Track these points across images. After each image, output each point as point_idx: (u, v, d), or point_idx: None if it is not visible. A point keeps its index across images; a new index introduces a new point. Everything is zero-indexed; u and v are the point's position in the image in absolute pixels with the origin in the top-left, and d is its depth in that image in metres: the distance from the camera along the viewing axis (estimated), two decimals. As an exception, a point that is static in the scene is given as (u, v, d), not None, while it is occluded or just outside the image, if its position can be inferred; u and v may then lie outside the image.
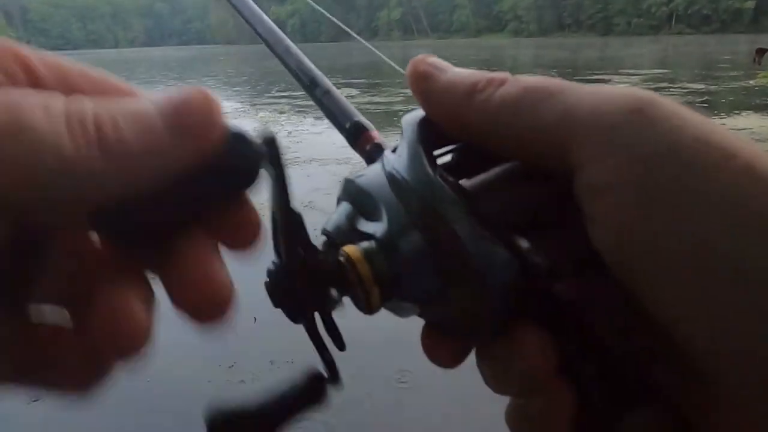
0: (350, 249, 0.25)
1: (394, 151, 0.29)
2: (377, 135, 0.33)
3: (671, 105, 0.23)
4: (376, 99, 11.41)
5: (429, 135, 0.28)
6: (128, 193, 0.19)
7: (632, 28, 77.38)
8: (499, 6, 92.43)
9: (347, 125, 0.34)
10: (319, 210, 4.23)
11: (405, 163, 0.27)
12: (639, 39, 57.47)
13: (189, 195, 0.21)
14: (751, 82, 12.31)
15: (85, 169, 0.17)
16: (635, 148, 0.22)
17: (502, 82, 0.25)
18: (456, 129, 0.28)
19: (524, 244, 0.23)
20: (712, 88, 11.91)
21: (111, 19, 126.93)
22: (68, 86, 0.21)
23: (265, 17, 0.38)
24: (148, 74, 21.90)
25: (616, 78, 14.47)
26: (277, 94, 13.26)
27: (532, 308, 0.24)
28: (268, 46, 0.37)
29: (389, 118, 8.98)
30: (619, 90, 0.25)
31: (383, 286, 0.24)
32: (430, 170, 0.25)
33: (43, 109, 0.17)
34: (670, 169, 0.21)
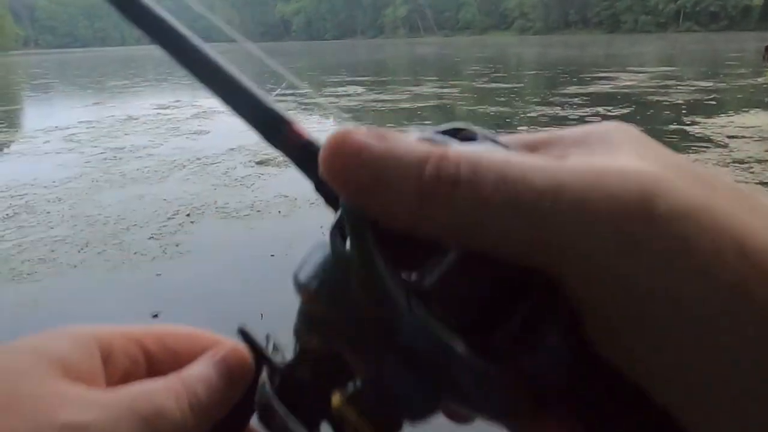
0: (336, 400, 0.22)
1: (338, 227, 0.22)
2: (304, 130, 0.26)
3: (684, 193, 0.18)
4: (382, 96, 11.41)
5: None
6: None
7: (639, 26, 76.96)
8: (505, 4, 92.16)
9: (262, 118, 0.26)
10: (326, 208, 4.23)
11: (361, 275, 0.21)
12: (646, 36, 57.16)
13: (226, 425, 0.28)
14: (759, 79, 12.22)
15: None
16: (639, 280, 0.18)
17: (455, 181, 0.19)
18: (397, 223, 0.21)
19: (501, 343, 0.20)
20: (720, 85, 11.82)
21: (118, 17, 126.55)
22: (172, 353, 0.29)
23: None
24: (155, 72, 21.97)
25: (623, 75, 14.40)
26: (283, 92, 13.22)
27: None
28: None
29: (395, 116, 8.98)
30: (615, 178, 0.19)
31: (382, 427, 0.22)
32: (392, 287, 0.20)
33: (174, 399, 0.25)
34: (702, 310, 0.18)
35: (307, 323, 0.24)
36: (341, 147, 0.21)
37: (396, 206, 0.20)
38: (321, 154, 0.21)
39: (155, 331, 0.29)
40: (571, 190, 0.18)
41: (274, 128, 0.26)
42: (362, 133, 0.21)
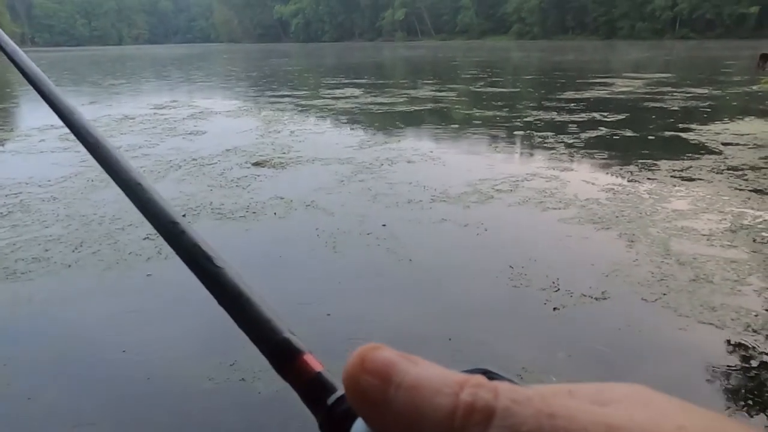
0: None
1: None
2: (314, 361, 0.25)
3: None
4: (379, 99, 11.42)
5: None
6: None
7: (636, 32, 77.28)
8: (504, 8, 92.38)
9: (270, 342, 0.25)
10: (321, 209, 4.24)
11: None
12: (643, 43, 57.41)
13: None
14: (754, 87, 12.28)
15: None
16: None
17: (491, 410, 0.18)
18: None
19: None
20: (716, 92, 11.88)
21: (115, 16, 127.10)
22: None
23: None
24: (153, 69, 21.89)
25: (619, 81, 14.45)
26: (279, 93, 13.27)
27: None
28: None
29: (392, 119, 8.99)
30: None
31: None
32: None
33: None
34: None
35: None
36: (370, 364, 0.19)
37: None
38: (346, 369, 0.19)
39: None
40: None
41: (282, 357, 0.25)
42: (391, 352, 0.20)
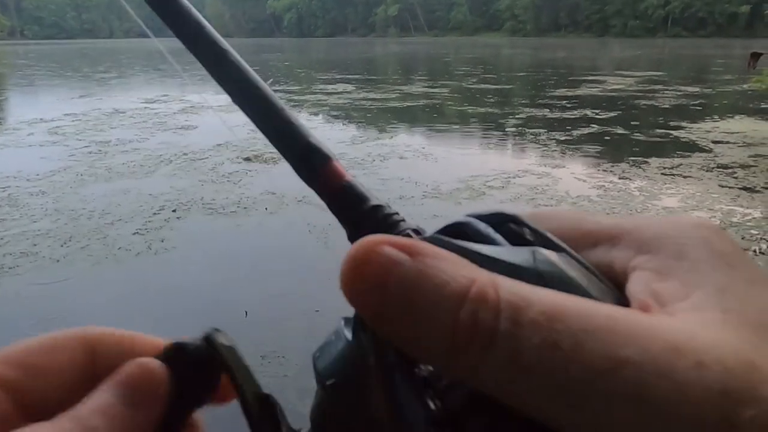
0: None
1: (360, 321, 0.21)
2: (343, 169, 0.23)
3: None
4: (372, 95, 11.40)
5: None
6: None
7: (628, 30, 77.59)
8: (496, 5, 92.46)
9: (298, 149, 0.23)
10: (314, 205, 4.22)
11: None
12: (635, 41, 57.64)
13: None
14: (744, 86, 12.37)
15: None
16: None
17: (491, 336, 0.16)
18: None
19: None
20: (707, 91, 11.96)
21: (106, 9, 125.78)
22: (106, 365, 0.24)
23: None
24: (143, 65, 21.75)
25: (611, 79, 14.51)
26: (271, 88, 13.14)
27: None
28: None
29: (384, 115, 8.98)
30: (693, 377, 0.15)
31: None
32: (412, 414, 0.19)
33: None
34: None
35: (322, 415, 0.22)
36: (366, 263, 0.18)
37: (422, 348, 0.17)
38: (342, 268, 0.18)
39: (86, 336, 0.25)
40: (634, 377, 0.15)
41: (307, 162, 0.23)
42: (393, 243, 0.18)
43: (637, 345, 0.15)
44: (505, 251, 0.19)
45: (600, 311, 0.16)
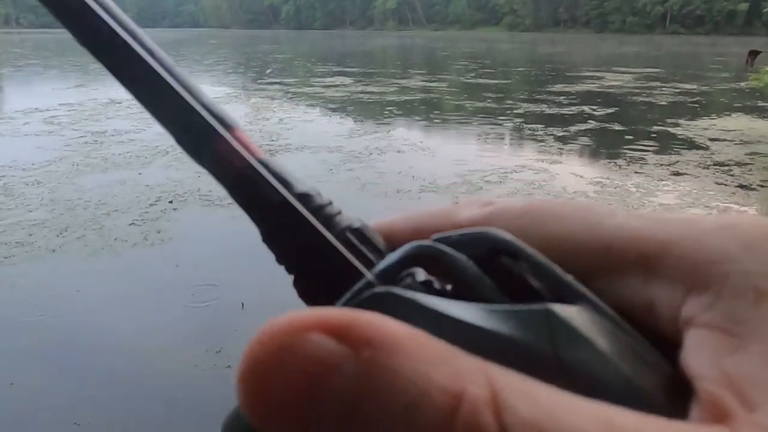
0: None
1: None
2: (254, 144, 0.17)
3: None
4: (370, 88, 11.37)
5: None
6: None
7: (627, 26, 77.55)
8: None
9: (183, 113, 0.16)
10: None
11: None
12: (633, 37, 57.61)
13: None
14: (742, 84, 12.39)
15: None
16: None
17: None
18: None
19: None
20: (704, 88, 11.97)
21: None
22: None
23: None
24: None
25: (609, 75, 14.50)
26: (268, 80, 13.17)
27: None
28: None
29: (382, 108, 8.95)
30: None
31: None
32: None
33: None
34: None
35: None
36: (279, 367, 0.10)
37: None
38: (240, 370, 0.11)
39: None
40: None
41: (197, 137, 0.15)
42: (326, 325, 0.11)
43: None
44: (502, 317, 0.12)
45: None
